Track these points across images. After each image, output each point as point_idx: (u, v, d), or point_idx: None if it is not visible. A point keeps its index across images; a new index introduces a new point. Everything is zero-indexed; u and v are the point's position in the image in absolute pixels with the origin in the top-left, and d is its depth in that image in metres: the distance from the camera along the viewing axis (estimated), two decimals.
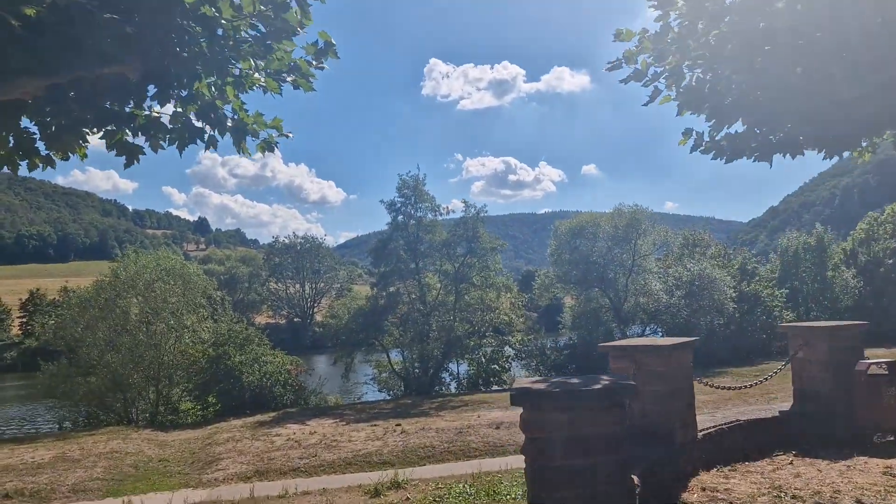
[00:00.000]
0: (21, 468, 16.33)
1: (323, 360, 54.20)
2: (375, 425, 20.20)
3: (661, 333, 34.78)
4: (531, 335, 32.62)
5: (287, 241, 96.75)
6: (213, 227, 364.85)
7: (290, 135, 4.88)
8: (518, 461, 14.20)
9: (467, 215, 31.12)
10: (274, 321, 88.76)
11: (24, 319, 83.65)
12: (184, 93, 4.69)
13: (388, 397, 29.94)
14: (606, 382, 2.88)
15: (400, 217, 31.37)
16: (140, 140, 4.69)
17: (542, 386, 2.73)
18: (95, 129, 4.68)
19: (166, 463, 17.13)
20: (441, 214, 31.62)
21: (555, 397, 2.58)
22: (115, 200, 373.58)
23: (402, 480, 11.90)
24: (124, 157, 4.66)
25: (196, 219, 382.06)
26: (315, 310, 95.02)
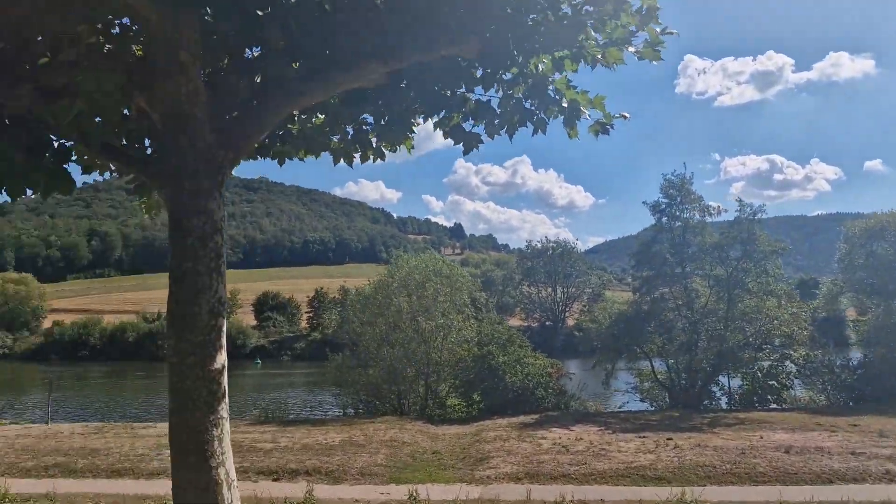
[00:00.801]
0: (317, 448, 18.00)
1: (575, 365, 53.45)
2: (644, 437, 19.17)
3: None
4: (817, 350, 28.91)
5: (539, 245, 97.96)
6: (468, 233, 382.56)
7: (627, 115, 4.43)
8: (828, 493, 12.44)
9: (741, 215, 28.57)
10: (526, 324, 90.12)
11: (311, 314, 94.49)
12: (507, 75, 4.48)
13: (651, 408, 28.47)
14: None
15: (664, 219, 29.76)
16: (468, 125, 4.55)
17: None
18: (422, 119, 4.67)
19: (439, 456, 17.75)
20: (710, 216, 29.42)
21: None
22: (383, 209, 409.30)
23: (690, 501, 10.94)
24: (462, 144, 4.54)
25: (452, 224, 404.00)
26: (566, 314, 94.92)
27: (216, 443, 3.56)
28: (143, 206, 5.33)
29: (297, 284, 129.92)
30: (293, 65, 4.05)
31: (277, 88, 3.96)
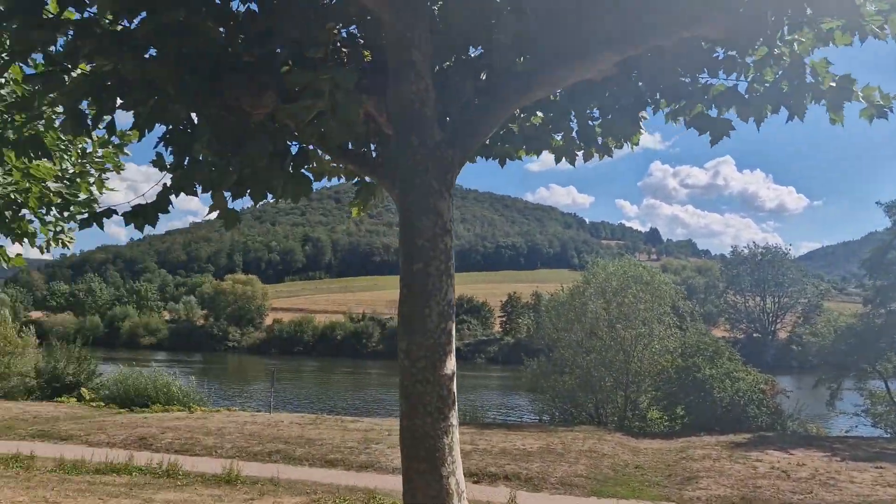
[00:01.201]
0: (515, 453, 17.93)
1: (788, 382, 49.03)
2: (881, 468, 16.88)
3: None
4: None
5: (746, 251, 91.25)
6: (664, 238, 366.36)
7: None
8: None
9: None
10: (731, 335, 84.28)
11: (503, 319, 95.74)
12: (750, 58, 3.99)
13: (887, 435, 25.17)
14: None
15: None
16: (712, 114, 4.12)
17: None
18: (651, 111, 4.32)
19: (642, 470, 16.92)
20: None
21: None
22: (575, 214, 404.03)
23: None
24: (708, 133, 4.13)
25: (647, 230, 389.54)
26: (777, 326, 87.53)
27: (447, 451, 3.47)
28: (357, 207, 5.44)
29: (489, 289, 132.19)
30: (518, 59, 3.91)
31: (504, 84, 3.83)
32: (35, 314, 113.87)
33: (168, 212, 4.02)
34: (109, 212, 4.33)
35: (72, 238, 7.25)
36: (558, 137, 4.73)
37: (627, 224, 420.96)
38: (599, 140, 4.58)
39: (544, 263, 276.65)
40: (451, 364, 3.63)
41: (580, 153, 4.70)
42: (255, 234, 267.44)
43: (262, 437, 18.32)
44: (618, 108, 4.32)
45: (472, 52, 4.16)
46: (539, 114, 4.77)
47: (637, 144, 4.58)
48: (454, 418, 3.60)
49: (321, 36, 3.50)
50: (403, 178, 3.62)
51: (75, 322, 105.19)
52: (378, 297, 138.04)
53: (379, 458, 16.33)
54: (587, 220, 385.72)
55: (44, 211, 6.69)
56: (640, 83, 4.14)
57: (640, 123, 4.43)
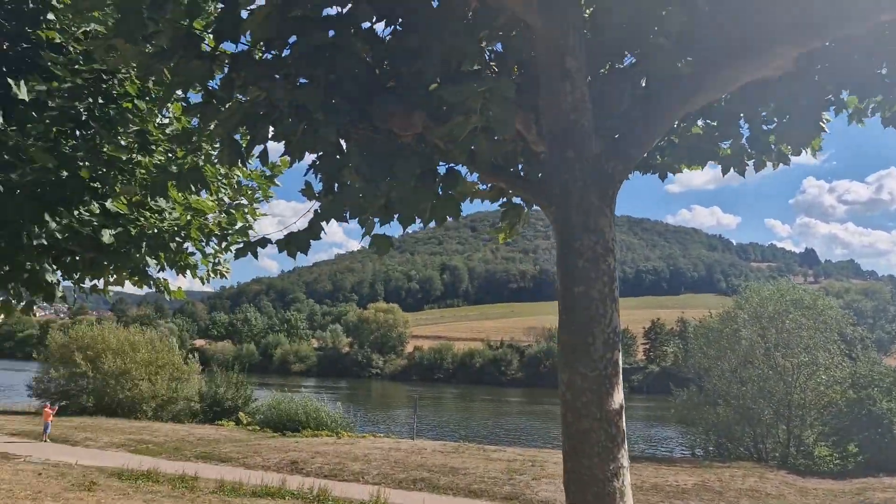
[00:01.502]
0: (668, 490, 16.90)
1: None
2: None
3: None
4: None
5: None
6: (822, 259, 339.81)
7: None
8: None
9: None
10: None
11: (647, 346, 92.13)
12: None
13: None
14: None
15: None
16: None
17: None
18: (832, 112, 3.82)
19: None
20: None
21: None
22: (720, 235, 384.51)
23: None
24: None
25: (802, 250, 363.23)
26: None
27: (617, 496, 3.12)
28: (503, 232, 5.23)
29: (630, 315, 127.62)
30: (680, 62, 3.57)
31: (666, 90, 3.49)
32: (199, 342, 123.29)
33: (319, 238, 4.02)
34: (263, 241, 4.41)
35: (227, 268, 7.61)
36: (725, 146, 4.31)
37: (779, 245, 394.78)
38: (773, 147, 4.12)
39: (688, 288, 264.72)
40: (618, 398, 3.29)
41: (750, 162, 4.25)
42: (396, 264, 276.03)
43: (406, 464, 18.43)
44: (795, 109, 3.86)
45: (627, 60, 3.87)
46: (700, 122, 4.38)
47: (819, 150, 4.06)
48: (624, 459, 3.24)
49: (471, 50, 3.36)
50: (561, 195, 3.36)
51: (233, 350, 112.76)
52: (515, 324, 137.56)
53: (524, 489, 15.91)
54: (734, 242, 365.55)
55: (203, 242, 7.06)
56: (818, 78, 3.65)
57: (823, 124, 3.92)
